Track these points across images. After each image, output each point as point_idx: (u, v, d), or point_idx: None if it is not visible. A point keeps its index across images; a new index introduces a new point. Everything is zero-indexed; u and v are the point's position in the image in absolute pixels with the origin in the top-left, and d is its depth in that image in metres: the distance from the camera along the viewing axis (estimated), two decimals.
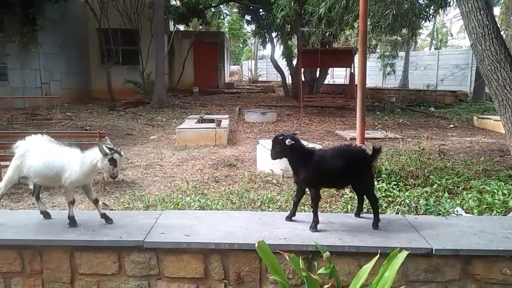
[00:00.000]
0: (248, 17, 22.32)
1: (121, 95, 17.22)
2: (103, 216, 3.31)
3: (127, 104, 15.97)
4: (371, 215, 3.39)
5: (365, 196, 3.48)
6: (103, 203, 4.82)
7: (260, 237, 2.84)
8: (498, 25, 5.57)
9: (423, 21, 10.74)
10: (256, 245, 2.61)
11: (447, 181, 5.20)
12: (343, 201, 4.67)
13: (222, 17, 36.84)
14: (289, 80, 21.19)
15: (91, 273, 3.07)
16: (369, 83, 18.21)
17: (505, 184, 4.98)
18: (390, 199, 4.62)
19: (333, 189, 4.90)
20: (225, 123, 9.98)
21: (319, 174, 3.23)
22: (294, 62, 19.50)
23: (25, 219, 3.43)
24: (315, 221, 3.22)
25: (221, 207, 4.59)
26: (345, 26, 10.22)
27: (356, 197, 3.82)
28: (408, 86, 23.71)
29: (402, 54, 21.41)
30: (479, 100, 16.84)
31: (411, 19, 9.00)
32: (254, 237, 2.98)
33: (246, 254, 2.99)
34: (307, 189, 3.35)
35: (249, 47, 47.03)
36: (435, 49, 36.17)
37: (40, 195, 3.50)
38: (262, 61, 39.69)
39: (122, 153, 3.06)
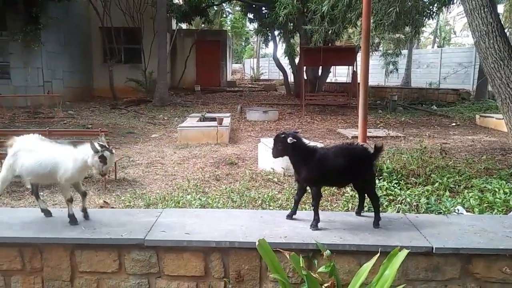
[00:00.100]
0: (250, 15, 22.28)
1: (123, 94, 17.23)
2: (84, 210, 3.34)
3: (129, 102, 15.99)
4: (372, 214, 3.39)
5: (366, 195, 3.47)
6: (104, 201, 4.84)
7: (261, 236, 2.84)
8: (502, 22, 5.54)
9: (427, 19, 10.70)
10: (257, 243, 2.60)
11: (449, 180, 5.18)
12: (344, 199, 4.66)
13: (224, 15, 36.75)
14: (291, 78, 21.17)
15: (91, 271, 3.08)
16: (372, 81, 18.05)
17: (506, 183, 4.96)
18: (391, 197, 4.61)
19: (334, 188, 4.90)
20: (226, 121, 9.98)
21: (321, 172, 3.23)
22: (297, 60, 19.47)
23: (26, 217, 3.44)
24: (316, 219, 3.22)
25: (222, 206, 4.59)
26: (348, 24, 10.18)
27: (357, 195, 3.82)
28: (410, 84, 23.64)
29: (405, 52, 21.32)
30: (482, 99, 16.76)
31: (415, 17, 8.96)
32: (254, 235, 2.99)
33: (247, 252, 2.99)
34: (308, 188, 3.34)
35: (251, 45, 46.94)
36: (438, 47, 35.96)
37: (40, 193, 3.51)
38: (264, 59, 39.57)
39: (113, 151, 3.08)
